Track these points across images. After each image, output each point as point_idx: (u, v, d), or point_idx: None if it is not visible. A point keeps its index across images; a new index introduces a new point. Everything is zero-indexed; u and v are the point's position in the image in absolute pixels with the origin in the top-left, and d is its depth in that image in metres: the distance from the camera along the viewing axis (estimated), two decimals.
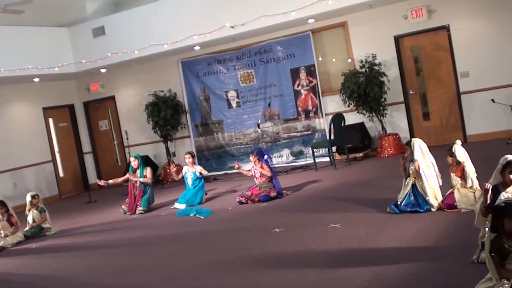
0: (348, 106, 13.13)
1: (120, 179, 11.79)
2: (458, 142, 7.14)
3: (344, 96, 12.99)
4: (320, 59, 14.09)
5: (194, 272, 6.38)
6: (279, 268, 5.97)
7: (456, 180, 7.06)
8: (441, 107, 13.00)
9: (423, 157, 7.25)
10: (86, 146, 17.50)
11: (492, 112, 12.18)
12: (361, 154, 13.11)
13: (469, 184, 6.92)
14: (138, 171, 11.21)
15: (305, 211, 8.67)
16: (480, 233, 4.95)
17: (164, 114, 14.83)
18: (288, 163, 14.42)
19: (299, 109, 14.30)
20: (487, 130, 12.35)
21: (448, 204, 7.02)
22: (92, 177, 17.33)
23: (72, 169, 16.99)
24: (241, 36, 13.84)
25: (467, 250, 5.24)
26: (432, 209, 7.11)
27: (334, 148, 13.08)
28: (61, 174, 16.55)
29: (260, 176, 10.20)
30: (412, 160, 7.27)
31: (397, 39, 13.15)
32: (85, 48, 15.06)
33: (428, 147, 7.46)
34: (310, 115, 14.20)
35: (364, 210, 7.88)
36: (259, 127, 13.57)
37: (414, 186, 7.28)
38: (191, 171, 11.17)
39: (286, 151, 14.59)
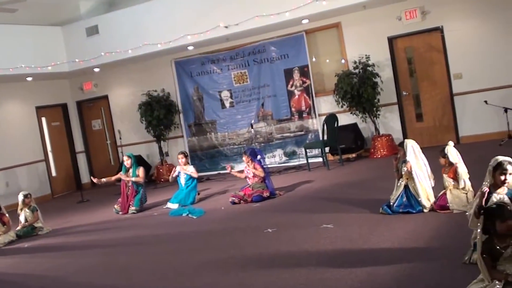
0: (342, 107, 13.16)
1: (113, 178, 11.77)
2: (451, 143, 7.15)
3: (337, 96, 13.01)
4: (314, 59, 14.10)
5: (186, 272, 6.37)
6: (272, 268, 5.97)
7: (448, 181, 7.07)
8: (434, 108, 13.03)
9: (415, 158, 7.26)
10: (79, 145, 17.46)
11: (485, 114, 12.22)
12: (354, 155, 13.13)
13: (461, 185, 6.93)
14: (131, 171, 11.19)
15: (297, 211, 8.67)
16: (473, 234, 4.96)
17: (157, 114, 14.82)
18: (281, 164, 14.42)
19: (293, 109, 14.31)
20: (480, 131, 12.38)
21: (441, 205, 7.04)
22: (85, 177, 17.31)
23: (64, 168, 16.95)
24: (235, 36, 13.84)
25: (459, 251, 5.25)
26: (425, 210, 7.13)
27: (327, 149, 13.08)
28: (53, 173, 16.51)
29: (253, 176, 10.20)
30: (405, 161, 7.28)
31: (391, 40, 13.17)
32: (78, 47, 15.02)
33: (421, 148, 7.47)
34: (304, 115, 14.21)
35: (357, 211, 7.89)
36: (252, 127, 13.57)
37: (406, 187, 7.30)
38: (189, 170, 11.16)
39: (279, 152, 14.59)
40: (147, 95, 15.19)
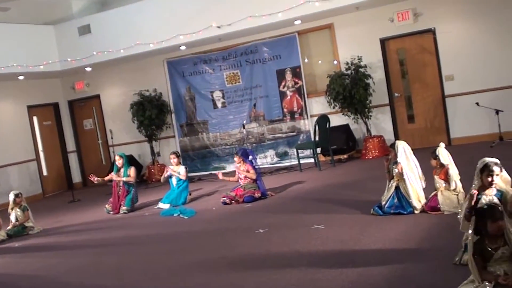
0: (333, 107, 13.18)
1: (106, 179, 11.74)
2: (442, 144, 7.16)
3: (329, 97, 13.03)
4: (306, 60, 14.10)
5: (178, 272, 6.37)
6: (263, 268, 5.97)
7: (439, 182, 7.09)
8: (426, 110, 13.06)
9: (406, 159, 7.28)
10: (70, 145, 17.41)
11: (476, 116, 12.26)
12: (345, 156, 13.14)
13: (452, 186, 6.95)
14: (122, 170, 11.17)
15: (289, 212, 8.68)
16: (464, 235, 4.97)
17: (149, 114, 14.80)
18: (272, 164, 14.42)
19: (285, 110, 14.31)
20: (471, 133, 12.42)
21: (432, 206, 7.06)
22: (76, 176, 17.29)
23: (56, 168, 16.89)
24: (227, 36, 13.83)
25: (450, 252, 5.27)
26: (416, 211, 7.15)
27: (318, 150, 13.10)
28: (45, 172, 16.45)
29: (245, 177, 10.20)
30: (396, 162, 7.29)
31: (383, 42, 13.19)
32: (70, 47, 14.96)
33: (413, 149, 7.48)
34: (295, 116, 14.21)
35: (348, 212, 7.90)
36: (244, 128, 13.57)
37: (397, 188, 7.31)
38: (178, 170, 11.13)
39: (271, 152, 14.59)
40: (139, 94, 15.16)
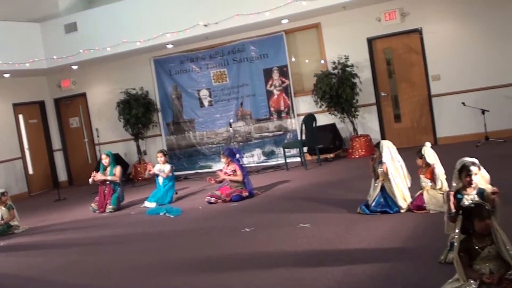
0: (320, 107, 13.20)
1: (102, 179, 11.59)
2: (428, 144, 7.18)
3: (316, 97, 13.05)
4: (293, 59, 14.12)
5: (163, 271, 6.34)
6: (249, 268, 5.96)
7: (425, 181, 7.11)
8: (412, 109, 13.11)
9: (391, 159, 7.29)
10: (56, 143, 17.31)
11: (462, 115, 12.31)
12: (332, 155, 13.16)
13: (438, 185, 6.98)
14: (108, 169, 11.13)
15: (275, 211, 8.68)
16: (450, 235, 4.98)
17: (136, 112, 14.76)
18: (259, 163, 14.43)
19: (271, 109, 14.32)
20: (457, 132, 12.48)
21: (417, 205, 7.08)
22: (62, 175, 17.21)
23: (41, 166, 16.80)
24: (214, 34, 13.81)
25: (435, 250, 5.28)
26: (401, 211, 7.16)
27: (305, 149, 13.12)
28: (30, 171, 16.35)
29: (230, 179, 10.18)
30: (381, 161, 7.30)
31: (370, 41, 13.23)
32: (56, 44, 14.89)
33: (399, 148, 7.50)
34: (282, 115, 14.22)
35: (334, 211, 7.91)
36: (231, 127, 13.56)
37: (383, 188, 7.33)
38: (162, 169, 11.09)
39: (257, 151, 14.59)
40: (125, 93, 15.12)
